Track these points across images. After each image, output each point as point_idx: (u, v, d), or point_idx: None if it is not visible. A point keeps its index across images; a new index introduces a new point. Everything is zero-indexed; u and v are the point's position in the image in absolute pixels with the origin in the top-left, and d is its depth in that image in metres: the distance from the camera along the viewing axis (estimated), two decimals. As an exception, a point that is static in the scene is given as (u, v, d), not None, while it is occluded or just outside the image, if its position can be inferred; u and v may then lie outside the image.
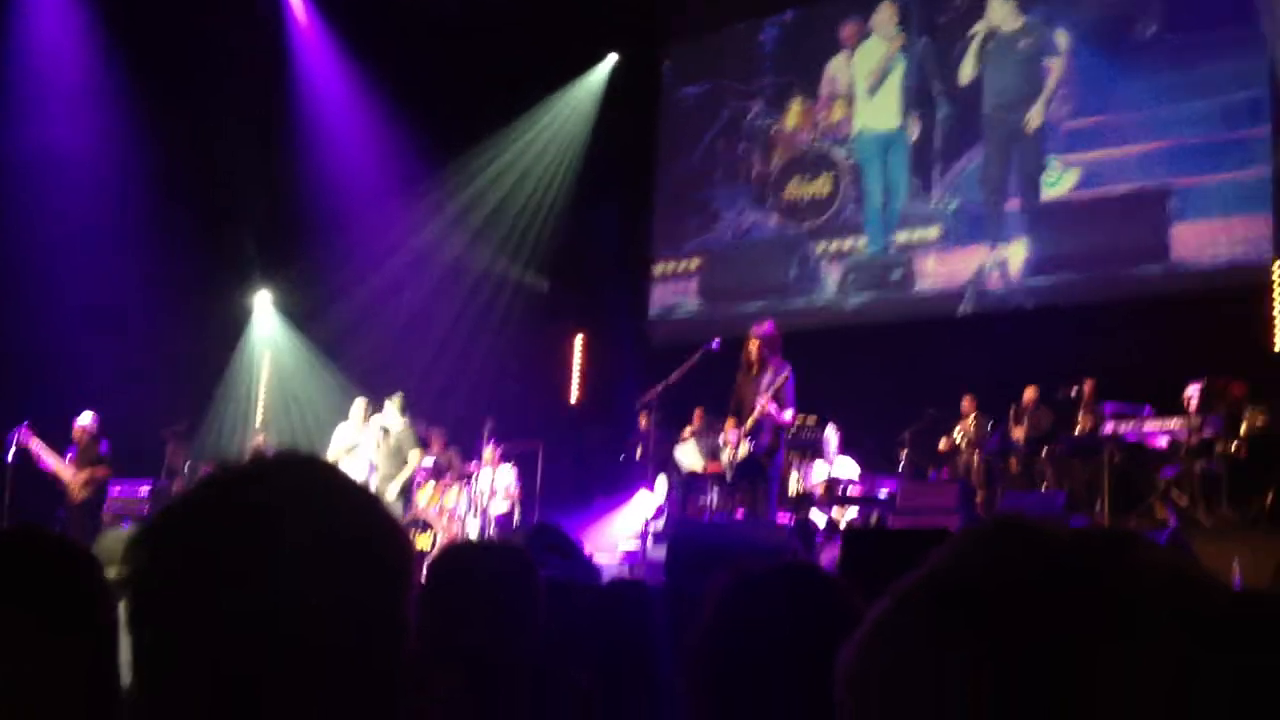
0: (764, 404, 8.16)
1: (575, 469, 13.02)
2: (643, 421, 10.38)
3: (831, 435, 10.44)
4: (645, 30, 14.77)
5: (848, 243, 13.40)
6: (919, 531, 6.75)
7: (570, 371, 15.24)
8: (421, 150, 13.50)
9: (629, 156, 14.85)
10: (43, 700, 1.17)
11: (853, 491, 10.18)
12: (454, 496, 11.02)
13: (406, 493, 10.48)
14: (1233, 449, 8.81)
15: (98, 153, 11.79)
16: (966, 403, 10.68)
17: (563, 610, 2.07)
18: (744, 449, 8.31)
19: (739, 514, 8.61)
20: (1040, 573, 0.64)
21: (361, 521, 0.96)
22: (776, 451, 8.37)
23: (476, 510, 10.98)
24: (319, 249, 13.49)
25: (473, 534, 10.61)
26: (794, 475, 10.26)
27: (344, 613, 0.90)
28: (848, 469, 10.49)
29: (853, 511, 10.12)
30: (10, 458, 9.75)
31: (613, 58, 15.19)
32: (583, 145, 14.96)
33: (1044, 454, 10.19)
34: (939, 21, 12.99)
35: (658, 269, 14.86)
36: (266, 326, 14.45)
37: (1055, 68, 12.04)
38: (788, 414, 8.34)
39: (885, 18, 13.42)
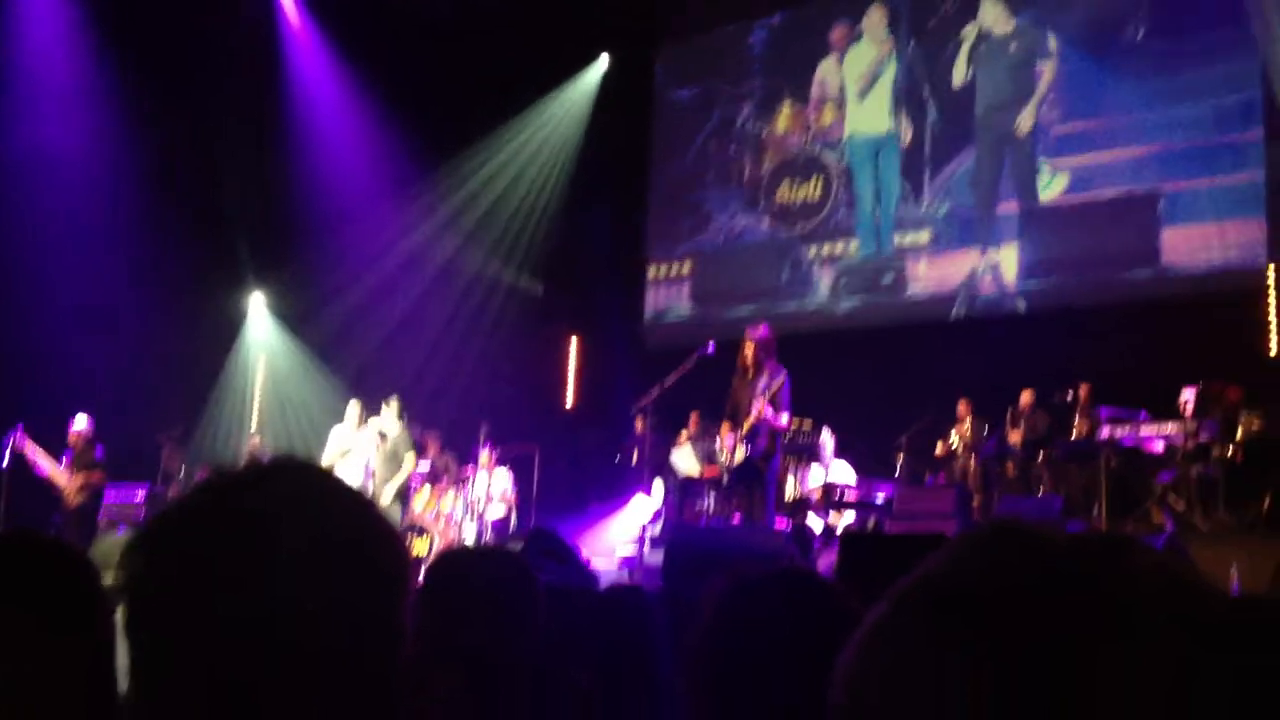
0: (760, 408, 8.12)
1: (571, 473, 13.01)
2: (638, 425, 10.34)
3: (827, 439, 10.42)
4: (637, 32, 14.75)
5: (839, 246, 13.39)
6: (916, 536, 6.75)
7: (565, 375, 15.24)
8: (414, 152, 13.49)
9: (621, 159, 14.83)
10: (42, 700, 1.18)
11: (849, 496, 10.15)
12: (450, 501, 11.00)
13: (403, 497, 10.40)
14: (1229, 453, 8.79)
15: (90, 153, 11.76)
16: (962, 407, 10.65)
17: (562, 615, 2.07)
18: (740, 453, 8.26)
19: (736, 519, 8.56)
20: (1037, 577, 0.65)
21: (357, 527, 0.96)
22: (773, 456, 8.32)
23: (473, 515, 10.95)
24: (312, 251, 13.47)
25: (469, 539, 10.59)
26: (790, 480, 10.23)
27: (340, 618, 0.90)
28: (844, 474, 10.46)
29: (849, 516, 10.08)
30: (5, 462, 9.67)
31: (605, 59, 15.17)
32: (575, 147, 14.93)
33: (1040, 458, 10.16)
34: (929, 25, 12.97)
35: (651, 272, 14.84)
36: (261, 329, 14.42)
37: (1046, 71, 12.04)
38: (784, 418, 8.31)
39: (875, 21, 13.41)
